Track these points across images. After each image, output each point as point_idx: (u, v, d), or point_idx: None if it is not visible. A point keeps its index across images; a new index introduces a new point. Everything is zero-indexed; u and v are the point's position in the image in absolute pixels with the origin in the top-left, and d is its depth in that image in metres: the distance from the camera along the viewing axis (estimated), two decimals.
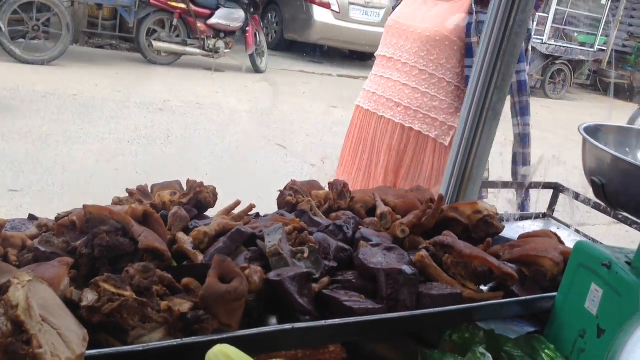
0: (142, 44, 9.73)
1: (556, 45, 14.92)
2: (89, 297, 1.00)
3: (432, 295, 1.30)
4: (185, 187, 1.63)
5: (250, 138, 6.96)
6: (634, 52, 17.80)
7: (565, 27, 15.51)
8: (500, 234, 1.67)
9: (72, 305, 1.00)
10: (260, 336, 1.09)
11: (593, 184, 1.32)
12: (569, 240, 1.77)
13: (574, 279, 1.36)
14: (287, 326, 1.12)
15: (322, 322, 1.16)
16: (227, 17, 10.25)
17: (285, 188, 1.75)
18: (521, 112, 2.52)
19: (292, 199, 1.70)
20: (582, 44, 15.63)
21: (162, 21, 9.94)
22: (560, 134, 10.34)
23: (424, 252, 1.41)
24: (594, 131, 1.40)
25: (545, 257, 1.48)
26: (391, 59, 2.67)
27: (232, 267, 1.12)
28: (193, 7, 9.85)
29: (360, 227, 1.57)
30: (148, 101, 7.70)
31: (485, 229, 1.64)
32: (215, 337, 1.03)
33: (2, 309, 0.86)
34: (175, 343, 1.02)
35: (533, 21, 13.72)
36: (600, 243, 1.63)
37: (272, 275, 1.21)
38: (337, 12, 12.56)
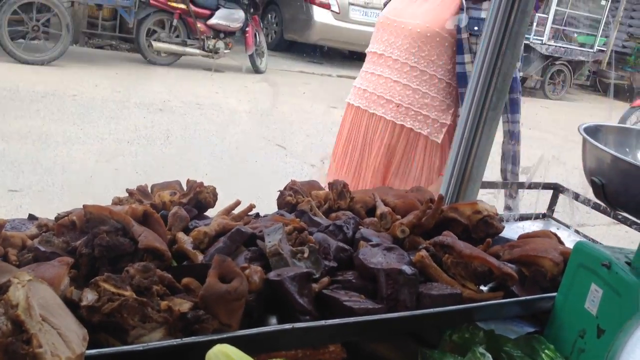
0: (142, 45, 9.73)
1: (556, 46, 14.92)
2: (89, 296, 1.00)
3: (432, 295, 1.30)
4: (185, 187, 1.63)
5: (250, 138, 6.96)
6: (634, 53, 17.80)
7: (564, 28, 15.52)
8: (500, 234, 1.67)
9: (72, 305, 1.00)
10: (260, 336, 1.09)
11: (593, 184, 1.32)
12: (569, 240, 1.77)
13: (574, 279, 1.36)
14: (287, 326, 1.12)
15: (322, 322, 1.16)
16: (227, 17, 10.25)
17: (285, 188, 1.75)
18: (512, 109, 2.50)
19: (292, 199, 1.70)
20: (582, 45, 15.63)
21: (162, 21, 9.94)
22: (559, 134, 10.35)
23: (423, 252, 1.41)
24: (593, 131, 1.40)
25: (545, 257, 1.48)
26: (382, 55, 2.64)
27: (232, 267, 1.12)
28: (193, 8, 9.85)
29: (360, 227, 1.57)
30: (148, 101, 7.70)
31: (485, 229, 1.64)
32: (215, 337, 1.03)
33: (2, 308, 0.86)
34: (175, 343, 1.02)
35: (533, 22, 13.78)
36: (600, 243, 1.63)
37: (272, 275, 1.21)
38: (337, 13, 12.57)
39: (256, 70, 10.83)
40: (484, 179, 2.23)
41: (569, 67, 15.19)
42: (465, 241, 1.49)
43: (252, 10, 10.65)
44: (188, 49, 10.00)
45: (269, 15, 13.47)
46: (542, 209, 2.35)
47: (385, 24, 2.67)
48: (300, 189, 1.75)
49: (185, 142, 6.47)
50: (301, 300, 1.18)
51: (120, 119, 6.83)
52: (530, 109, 12.88)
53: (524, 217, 2.25)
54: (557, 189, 2.35)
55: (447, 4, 2.51)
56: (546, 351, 1.30)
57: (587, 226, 2.40)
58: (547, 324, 1.43)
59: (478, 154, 2.08)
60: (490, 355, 1.22)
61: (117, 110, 7.14)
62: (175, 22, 9.83)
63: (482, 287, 1.46)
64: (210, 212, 1.61)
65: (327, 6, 12.53)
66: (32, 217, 1.43)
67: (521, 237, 1.71)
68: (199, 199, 1.57)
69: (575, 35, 15.82)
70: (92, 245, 1.17)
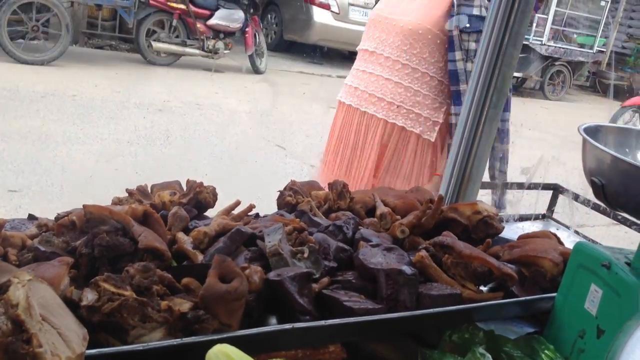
0: (142, 45, 9.73)
1: (555, 47, 14.93)
2: (89, 296, 1.00)
3: (432, 295, 1.30)
4: (184, 188, 1.63)
5: (250, 139, 6.96)
6: (633, 54, 17.82)
7: (564, 29, 15.53)
8: (499, 235, 1.67)
9: (72, 305, 1.00)
10: (260, 336, 1.09)
11: (593, 184, 1.32)
12: (569, 241, 1.77)
13: (574, 280, 1.36)
14: (287, 326, 1.12)
15: (322, 322, 1.16)
16: (227, 17, 10.25)
17: (284, 188, 1.75)
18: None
19: (291, 199, 1.70)
20: (582, 46, 15.64)
21: (162, 22, 9.94)
22: (559, 135, 10.35)
23: (423, 253, 1.41)
24: (593, 132, 1.40)
25: (545, 257, 1.49)
26: (373, 53, 2.62)
27: (232, 267, 1.12)
28: (192, 8, 9.85)
29: (360, 227, 1.57)
30: (147, 102, 7.70)
31: (484, 229, 1.64)
32: (215, 337, 1.03)
33: (2, 308, 0.86)
34: (175, 343, 1.01)
35: (532, 22, 13.78)
36: (600, 244, 1.63)
37: (272, 275, 1.21)
38: (336, 13, 12.58)
39: (256, 70, 10.84)
40: (484, 180, 2.24)
41: (568, 67, 15.21)
42: (465, 241, 1.49)
43: (251, 10, 10.66)
44: (188, 49, 10.00)
45: (269, 16, 13.48)
46: (542, 209, 2.35)
47: (376, 21, 2.65)
48: (300, 189, 1.75)
49: (185, 143, 6.47)
50: (301, 300, 1.18)
51: (120, 119, 6.83)
52: (530, 109, 12.90)
53: (523, 218, 2.25)
54: (556, 190, 2.35)
55: (438, 1, 2.49)
56: (546, 351, 1.30)
57: (586, 227, 2.40)
58: (546, 324, 1.43)
59: (478, 154, 2.09)
60: (490, 356, 1.22)
61: (117, 110, 7.14)
62: (174, 22, 9.83)
63: (482, 288, 1.46)
64: (210, 212, 1.61)
65: (326, 7, 12.54)
66: (32, 217, 1.42)
67: (521, 237, 1.71)
68: (198, 199, 1.57)
69: (575, 36, 15.83)
70: (92, 245, 1.17)
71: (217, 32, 10.23)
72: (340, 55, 13.87)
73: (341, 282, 1.31)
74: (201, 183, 1.60)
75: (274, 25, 13.51)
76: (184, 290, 1.12)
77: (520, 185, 2.42)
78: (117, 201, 1.51)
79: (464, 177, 2.11)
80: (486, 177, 2.32)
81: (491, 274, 1.40)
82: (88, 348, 0.92)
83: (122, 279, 1.04)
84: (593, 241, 1.93)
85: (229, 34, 10.42)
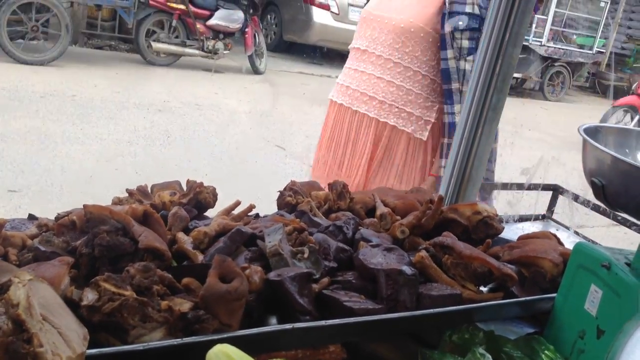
0: (141, 45, 9.73)
1: (555, 48, 14.95)
2: (89, 296, 1.00)
3: (432, 295, 1.30)
4: (185, 188, 1.63)
5: (250, 139, 6.96)
6: (633, 55, 17.84)
7: (564, 29, 15.54)
8: (499, 235, 1.67)
9: (73, 305, 1.00)
10: (260, 336, 1.09)
11: (593, 185, 1.32)
12: (568, 241, 1.77)
13: (574, 280, 1.36)
14: (288, 326, 1.12)
15: (322, 322, 1.16)
16: (226, 18, 10.26)
17: (285, 189, 1.75)
18: None
19: (291, 199, 1.70)
20: (581, 46, 15.65)
21: (161, 22, 9.95)
22: (559, 135, 10.37)
23: (423, 253, 1.41)
24: (594, 132, 1.40)
25: (545, 258, 1.49)
26: (365, 51, 2.60)
27: (232, 267, 1.12)
28: (192, 8, 9.86)
29: (360, 227, 1.57)
30: (147, 102, 7.70)
31: (484, 230, 1.64)
32: (215, 337, 1.03)
33: (3, 307, 0.86)
34: (175, 343, 1.01)
35: (532, 23, 13.79)
36: (600, 244, 1.63)
37: (272, 275, 1.21)
38: (336, 14, 12.59)
39: (255, 71, 10.84)
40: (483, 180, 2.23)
41: (568, 68, 15.22)
42: (465, 242, 1.49)
43: (251, 11, 10.67)
44: (187, 50, 10.01)
45: (269, 16, 13.49)
46: (542, 210, 2.35)
47: (368, 19, 2.61)
48: (300, 189, 1.75)
49: (184, 143, 6.47)
50: (301, 301, 1.18)
51: (119, 119, 6.83)
52: (530, 110, 12.91)
53: (523, 218, 2.25)
54: (556, 190, 2.35)
55: None
56: (546, 352, 1.30)
57: (586, 227, 2.40)
58: (546, 324, 1.43)
59: (478, 154, 2.08)
60: (490, 356, 1.22)
61: (117, 110, 7.14)
62: (174, 22, 9.84)
63: (482, 288, 1.46)
64: (210, 213, 1.61)
65: (326, 7, 12.55)
66: (32, 217, 1.42)
67: (521, 238, 1.71)
68: (198, 199, 1.57)
69: (575, 36, 15.85)
70: (92, 245, 1.17)
71: (217, 33, 10.23)
72: (340, 56, 13.85)
73: (341, 283, 1.31)
74: (201, 183, 1.60)
75: (274, 26, 13.51)
76: (184, 290, 1.12)
77: (520, 186, 2.42)
78: (118, 201, 1.51)
79: (463, 177, 2.11)
80: None
81: (491, 274, 1.40)
82: (88, 348, 0.92)
83: (122, 278, 1.04)
84: (593, 242, 1.93)
85: (228, 34, 10.43)
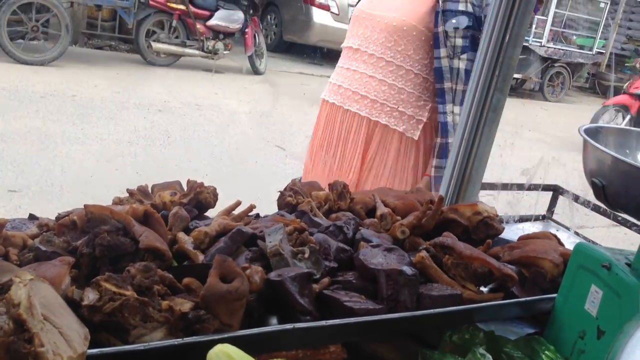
0: (141, 45, 9.73)
1: (555, 48, 14.96)
2: (90, 296, 1.00)
3: (432, 296, 1.30)
4: (185, 188, 1.63)
5: (250, 139, 6.97)
6: (633, 55, 17.84)
7: (564, 30, 15.55)
8: (499, 236, 1.67)
9: (73, 305, 1.00)
10: (261, 336, 1.09)
11: (594, 185, 1.32)
12: (568, 242, 1.77)
13: (574, 281, 1.36)
14: (288, 326, 1.12)
15: (323, 323, 1.16)
16: (227, 18, 10.26)
17: (285, 189, 1.75)
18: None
19: (292, 199, 1.70)
20: (581, 47, 15.66)
21: (162, 22, 9.95)
22: (559, 136, 10.37)
23: (424, 253, 1.41)
24: (594, 133, 1.40)
25: (545, 258, 1.49)
26: (357, 50, 2.57)
27: (233, 267, 1.12)
28: (192, 9, 9.86)
29: (360, 228, 1.57)
30: (147, 102, 7.71)
31: (485, 230, 1.64)
32: (216, 337, 1.03)
33: (4, 307, 0.86)
34: (176, 342, 1.01)
35: (532, 24, 13.79)
36: (600, 245, 1.63)
37: (272, 275, 1.21)
38: (336, 14, 12.60)
39: (255, 71, 10.85)
40: (484, 181, 2.24)
41: (568, 69, 15.23)
42: (465, 242, 1.49)
43: (251, 11, 10.67)
44: (187, 50, 10.01)
45: (269, 17, 13.49)
46: (542, 210, 2.35)
47: (360, 17, 2.59)
48: (300, 189, 1.75)
49: (185, 143, 6.48)
50: (302, 301, 1.18)
51: (119, 119, 6.83)
52: (530, 111, 12.92)
53: (523, 219, 2.25)
54: (556, 191, 2.35)
55: None
56: (546, 352, 1.30)
57: (586, 228, 2.40)
58: (547, 325, 1.43)
59: (478, 155, 2.09)
60: (490, 356, 1.22)
61: (117, 110, 7.15)
62: (174, 23, 9.84)
63: (482, 288, 1.46)
64: (210, 213, 1.61)
65: (326, 7, 12.56)
66: (32, 217, 1.43)
67: (521, 238, 1.71)
68: (199, 199, 1.57)
69: (574, 37, 15.86)
70: (93, 245, 1.17)
71: (217, 33, 10.24)
72: (340, 56, 13.87)
73: (342, 283, 1.31)
74: (202, 183, 1.60)
75: (274, 26, 13.52)
76: (184, 290, 1.12)
77: (520, 187, 2.43)
78: (118, 201, 1.51)
79: (464, 178, 2.11)
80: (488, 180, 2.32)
81: (491, 274, 1.40)
82: (89, 348, 0.92)
83: (123, 278, 1.04)
84: (593, 242, 1.93)
85: (228, 34, 10.43)
